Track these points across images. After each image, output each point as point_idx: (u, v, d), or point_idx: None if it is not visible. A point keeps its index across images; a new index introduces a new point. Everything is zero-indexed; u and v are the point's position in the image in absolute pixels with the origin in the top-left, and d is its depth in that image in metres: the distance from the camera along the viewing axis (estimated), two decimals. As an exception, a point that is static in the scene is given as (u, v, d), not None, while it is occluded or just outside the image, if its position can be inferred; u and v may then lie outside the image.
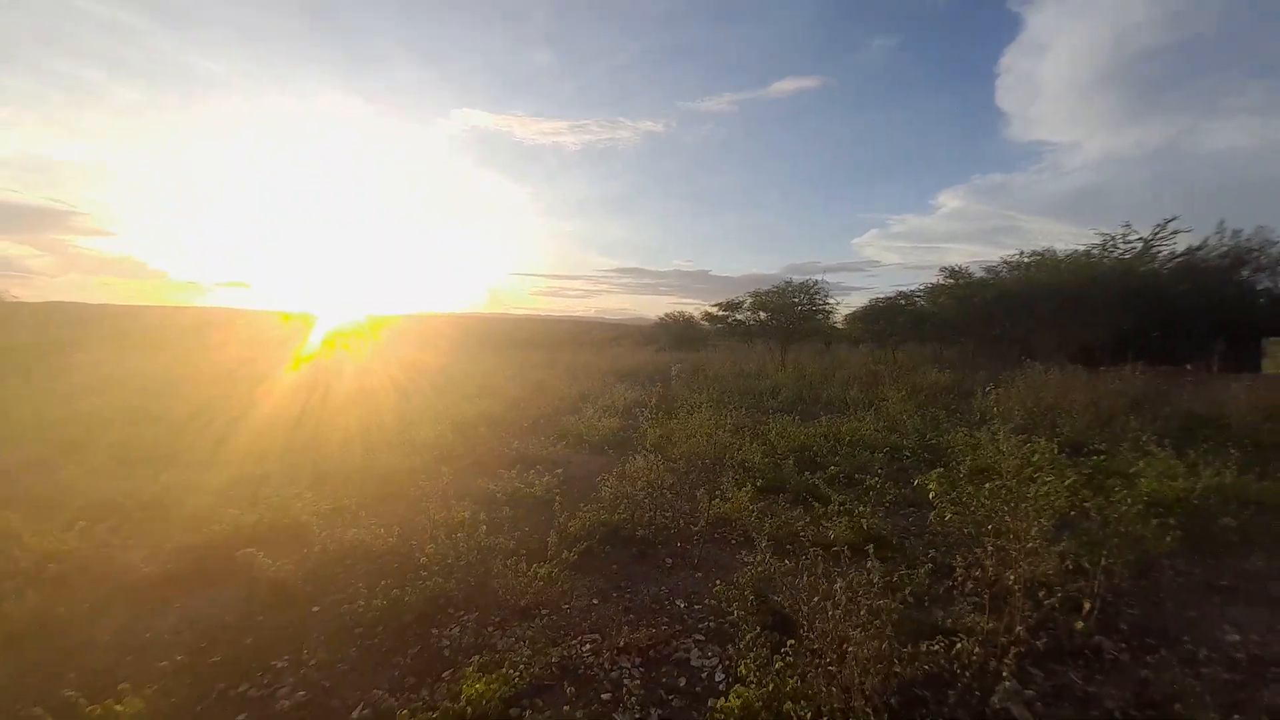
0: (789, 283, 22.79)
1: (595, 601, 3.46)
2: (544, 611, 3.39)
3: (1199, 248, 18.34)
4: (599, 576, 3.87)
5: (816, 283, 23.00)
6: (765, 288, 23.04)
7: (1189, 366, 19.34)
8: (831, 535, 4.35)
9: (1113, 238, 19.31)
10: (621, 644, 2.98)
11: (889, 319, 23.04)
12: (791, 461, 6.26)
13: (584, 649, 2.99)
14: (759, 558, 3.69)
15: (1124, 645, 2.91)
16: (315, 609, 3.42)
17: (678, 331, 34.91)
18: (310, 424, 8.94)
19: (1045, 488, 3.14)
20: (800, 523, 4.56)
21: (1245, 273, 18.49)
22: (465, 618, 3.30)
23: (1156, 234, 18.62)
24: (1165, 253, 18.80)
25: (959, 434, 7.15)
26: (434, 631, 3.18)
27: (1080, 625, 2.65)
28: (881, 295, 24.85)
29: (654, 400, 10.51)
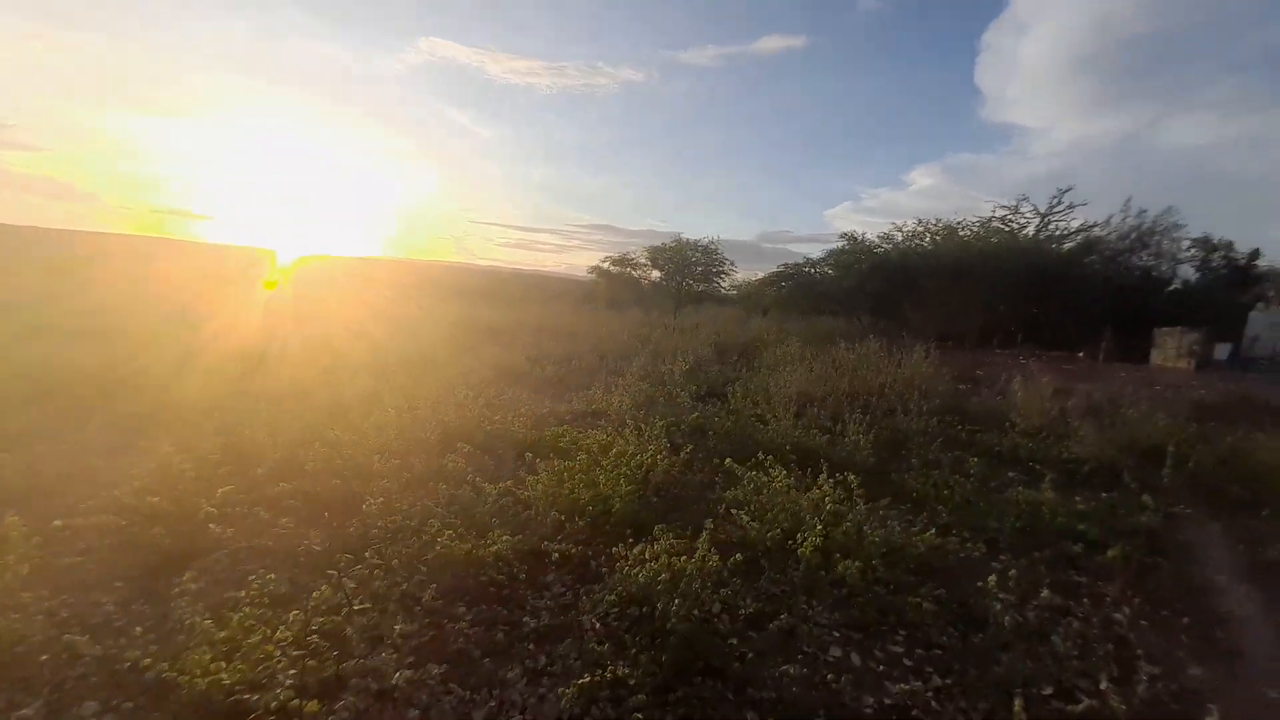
0: (679, 239, 21.04)
1: None
2: None
3: (1093, 225, 16.96)
4: None
5: (713, 242, 21.29)
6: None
7: (1080, 354, 18.32)
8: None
9: (1011, 210, 17.87)
10: None
11: (781, 287, 21.47)
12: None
13: None
14: None
15: None
16: None
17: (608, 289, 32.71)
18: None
19: None
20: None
21: (1145, 257, 17.28)
22: None
23: (1053, 207, 17.22)
24: (1063, 229, 17.47)
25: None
26: None
27: None
28: (790, 262, 23.18)
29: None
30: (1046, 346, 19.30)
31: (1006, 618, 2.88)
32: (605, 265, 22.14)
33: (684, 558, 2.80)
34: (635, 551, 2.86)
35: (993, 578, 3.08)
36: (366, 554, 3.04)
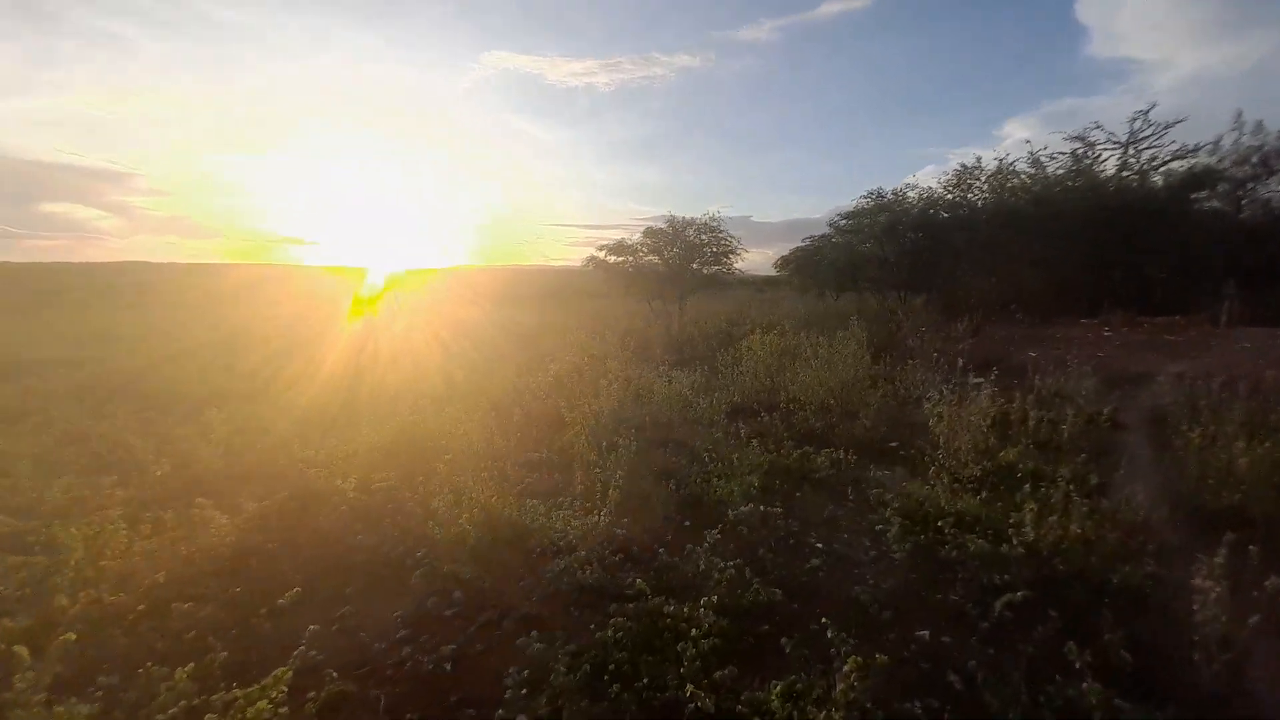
0: (672, 218, 18.57)
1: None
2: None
3: (1195, 148, 12.69)
4: None
5: (713, 218, 18.67)
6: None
7: (1178, 319, 13.98)
8: None
9: (1082, 142, 13.93)
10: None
11: (802, 263, 18.46)
12: None
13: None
14: None
15: None
16: None
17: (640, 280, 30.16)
18: None
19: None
20: None
21: (1276, 185, 12.70)
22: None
23: (1137, 133, 13.11)
24: (1157, 159, 13.29)
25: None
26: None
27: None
28: (814, 234, 20.02)
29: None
30: (1154, 311, 15.11)
31: None
32: (602, 255, 19.98)
33: None
34: None
35: None
36: None
